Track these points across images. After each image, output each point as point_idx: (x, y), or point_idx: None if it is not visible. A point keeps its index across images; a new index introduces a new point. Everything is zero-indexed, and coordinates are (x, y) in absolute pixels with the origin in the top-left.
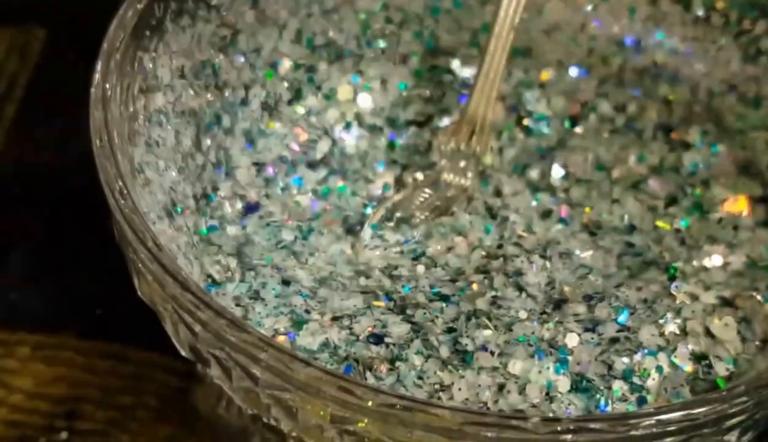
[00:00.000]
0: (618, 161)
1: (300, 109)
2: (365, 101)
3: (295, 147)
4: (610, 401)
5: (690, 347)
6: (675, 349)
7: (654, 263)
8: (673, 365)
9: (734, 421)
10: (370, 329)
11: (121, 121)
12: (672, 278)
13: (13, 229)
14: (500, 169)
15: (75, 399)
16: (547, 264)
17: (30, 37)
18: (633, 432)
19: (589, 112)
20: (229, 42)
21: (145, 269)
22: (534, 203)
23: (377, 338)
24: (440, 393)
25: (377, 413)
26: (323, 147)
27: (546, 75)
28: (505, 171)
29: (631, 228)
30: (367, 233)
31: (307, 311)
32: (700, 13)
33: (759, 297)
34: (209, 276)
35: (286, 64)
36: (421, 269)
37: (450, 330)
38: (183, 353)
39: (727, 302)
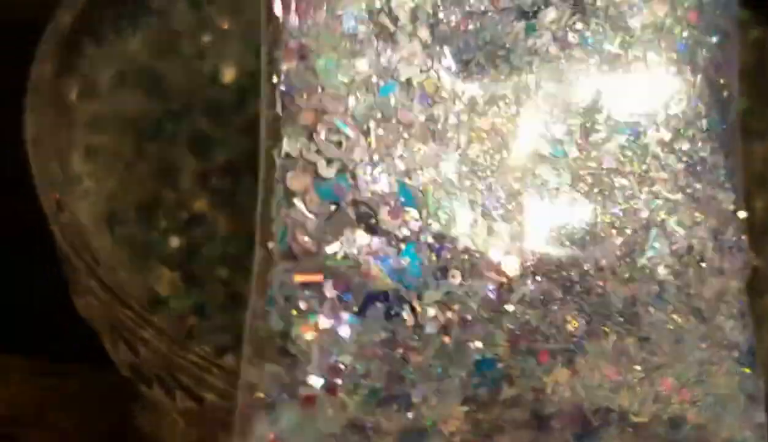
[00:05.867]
0: None
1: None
2: None
3: None
4: None
5: None
6: None
7: None
8: None
9: None
10: None
11: (58, 128)
12: None
13: None
14: None
15: (12, 420)
16: None
17: None
18: None
19: None
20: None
21: (82, 283)
22: None
23: None
24: None
25: None
26: None
27: None
28: None
29: None
30: None
31: None
32: None
33: None
34: (152, 291)
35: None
36: None
37: None
38: (123, 373)
39: None
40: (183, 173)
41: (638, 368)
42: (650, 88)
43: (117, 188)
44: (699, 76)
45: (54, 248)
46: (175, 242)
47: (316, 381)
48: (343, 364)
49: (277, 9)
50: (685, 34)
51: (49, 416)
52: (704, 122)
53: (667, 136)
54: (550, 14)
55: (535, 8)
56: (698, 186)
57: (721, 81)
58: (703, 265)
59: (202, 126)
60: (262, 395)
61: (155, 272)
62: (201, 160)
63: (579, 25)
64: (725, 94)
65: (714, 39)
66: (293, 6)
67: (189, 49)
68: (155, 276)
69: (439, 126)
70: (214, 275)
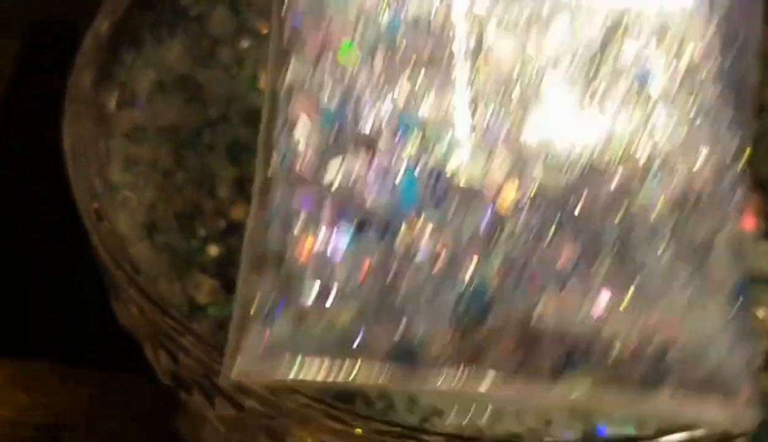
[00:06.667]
0: None
1: None
2: None
3: None
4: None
5: None
6: None
7: None
8: None
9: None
10: None
11: (96, 138)
12: None
13: None
14: None
15: (57, 427)
16: None
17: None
18: None
19: None
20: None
21: (123, 293)
22: None
23: None
24: (434, 418)
25: (367, 440)
26: None
27: None
28: None
29: None
30: None
31: None
32: None
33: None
34: (192, 299)
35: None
36: None
37: None
38: (164, 380)
39: None
40: (221, 182)
41: (626, 299)
42: (667, 24)
43: (156, 197)
44: (717, 15)
45: (95, 257)
46: (213, 250)
47: (308, 297)
48: (336, 281)
49: None
50: None
51: (94, 424)
52: (719, 61)
53: (680, 73)
54: None
55: None
56: (705, 122)
57: (740, 22)
58: (702, 203)
59: (239, 134)
60: (255, 309)
61: (194, 280)
62: (239, 168)
63: None
64: (742, 36)
65: None
66: None
67: (227, 56)
68: (194, 284)
69: (446, 54)
70: None
